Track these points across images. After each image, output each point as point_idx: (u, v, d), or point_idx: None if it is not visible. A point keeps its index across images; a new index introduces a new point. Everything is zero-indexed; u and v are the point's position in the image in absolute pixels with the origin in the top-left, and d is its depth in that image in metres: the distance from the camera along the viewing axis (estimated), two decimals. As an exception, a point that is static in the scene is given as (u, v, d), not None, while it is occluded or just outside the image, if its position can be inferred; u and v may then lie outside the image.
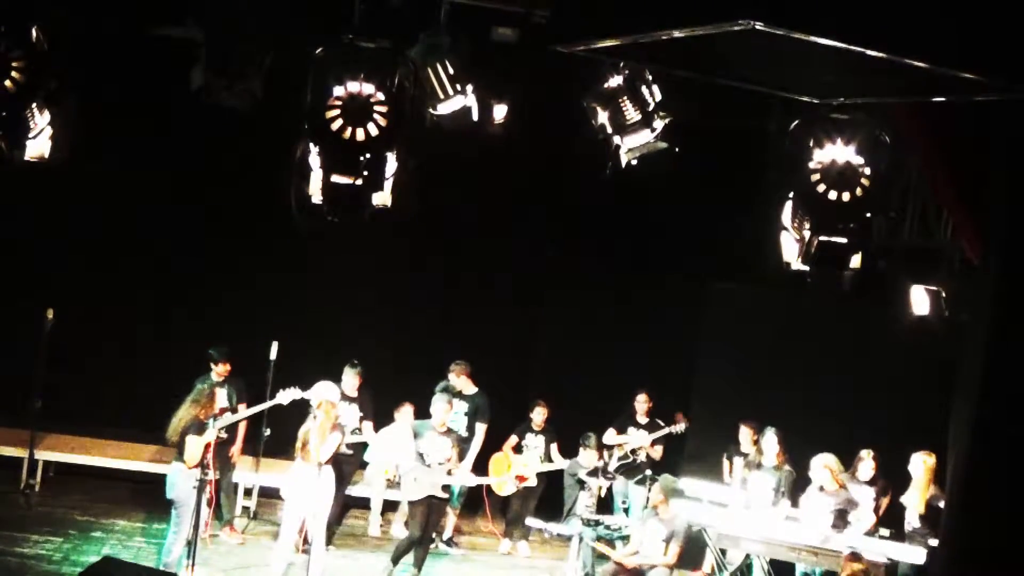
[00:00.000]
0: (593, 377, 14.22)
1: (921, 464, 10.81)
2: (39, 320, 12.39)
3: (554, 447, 13.11)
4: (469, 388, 12.67)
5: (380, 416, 12.47)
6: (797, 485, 11.37)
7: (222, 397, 10.60)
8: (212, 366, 11.57)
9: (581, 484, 11.99)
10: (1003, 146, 7.06)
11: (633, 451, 13.11)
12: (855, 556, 9.48)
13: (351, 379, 12.07)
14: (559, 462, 12.99)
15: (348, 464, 12.21)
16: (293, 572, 10.55)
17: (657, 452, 13.21)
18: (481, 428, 12.60)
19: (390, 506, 13.05)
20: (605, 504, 12.71)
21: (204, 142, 12.53)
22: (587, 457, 12.37)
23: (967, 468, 7.17)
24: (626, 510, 12.85)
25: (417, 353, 13.60)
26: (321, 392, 10.52)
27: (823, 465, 10.87)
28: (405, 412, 12.46)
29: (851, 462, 11.19)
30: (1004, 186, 7.17)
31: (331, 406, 10.41)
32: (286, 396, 11.17)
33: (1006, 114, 6.52)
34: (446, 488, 11.26)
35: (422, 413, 12.02)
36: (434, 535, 11.59)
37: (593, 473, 11.91)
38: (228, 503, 11.88)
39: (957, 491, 7.48)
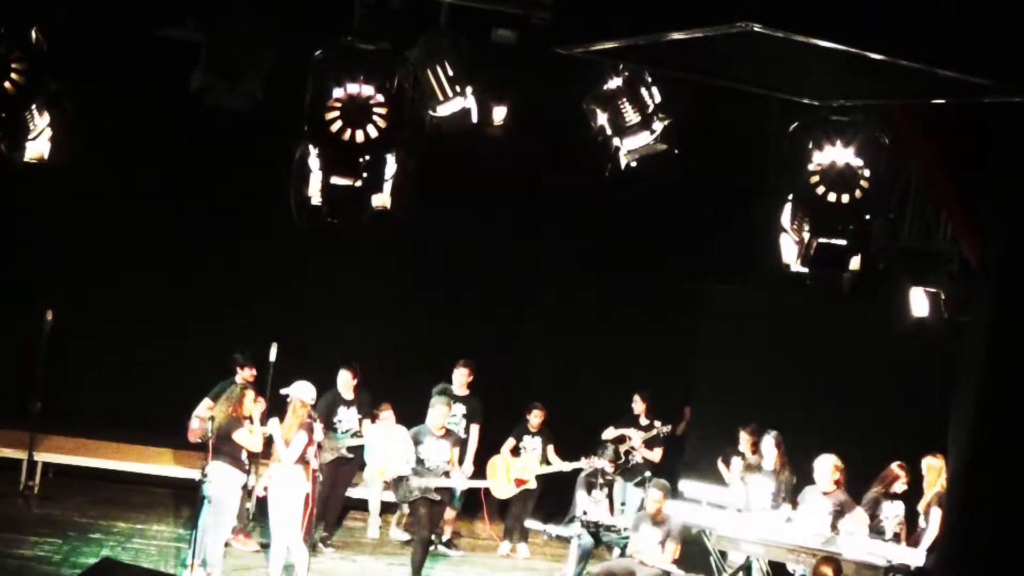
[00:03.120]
0: (592, 378, 14.23)
1: (925, 467, 10.85)
2: (39, 321, 12.41)
3: (550, 449, 13.12)
4: (463, 390, 12.65)
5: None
6: (798, 489, 11.37)
7: (250, 400, 10.59)
8: (238, 370, 11.54)
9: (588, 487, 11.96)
10: (1003, 148, 7.06)
11: (626, 452, 13.11)
12: (827, 560, 9.52)
13: (347, 379, 12.05)
14: (556, 464, 12.98)
15: (346, 465, 12.20)
16: (290, 573, 10.56)
17: (656, 455, 13.22)
18: (475, 430, 12.59)
19: (388, 507, 13.05)
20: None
21: (204, 144, 12.53)
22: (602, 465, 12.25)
23: (967, 468, 7.17)
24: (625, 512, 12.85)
25: (416, 354, 13.61)
26: (296, 390, 10.53)
27: (833, 466, 10.84)
28: (385, 415, 12.44)
29: (850, 462, 11.14)
30: (1004, 187, 7.17)
31: (301, 405, 10.42)
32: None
33: (1005, 116, 6.52)
34: (439, 490, 11.07)
35: (420, 415, 12.05)
36: (433, 536, 11.53)
37: (593, 475, 11.92)
38: (241, 509, 11.89)
39: (957, 491, 7.48)
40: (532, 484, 12.91)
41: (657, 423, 13.31)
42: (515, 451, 13.07)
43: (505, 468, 12.97)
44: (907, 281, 10.14)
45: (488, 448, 12.84)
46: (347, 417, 12.02)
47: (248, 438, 10.33)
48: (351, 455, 12.11)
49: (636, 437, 13.20)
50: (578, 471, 12.36)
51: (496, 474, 12.93)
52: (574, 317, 14.73)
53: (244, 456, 10.42)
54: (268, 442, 10.74)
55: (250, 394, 10.59)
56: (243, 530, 11.79)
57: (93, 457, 13.00)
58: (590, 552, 11.47)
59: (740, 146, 10.41)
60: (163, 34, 8.06)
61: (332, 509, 12.22)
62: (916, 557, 10.31)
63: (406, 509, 12.40)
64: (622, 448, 13.07)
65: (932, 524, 10.62)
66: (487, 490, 13.01)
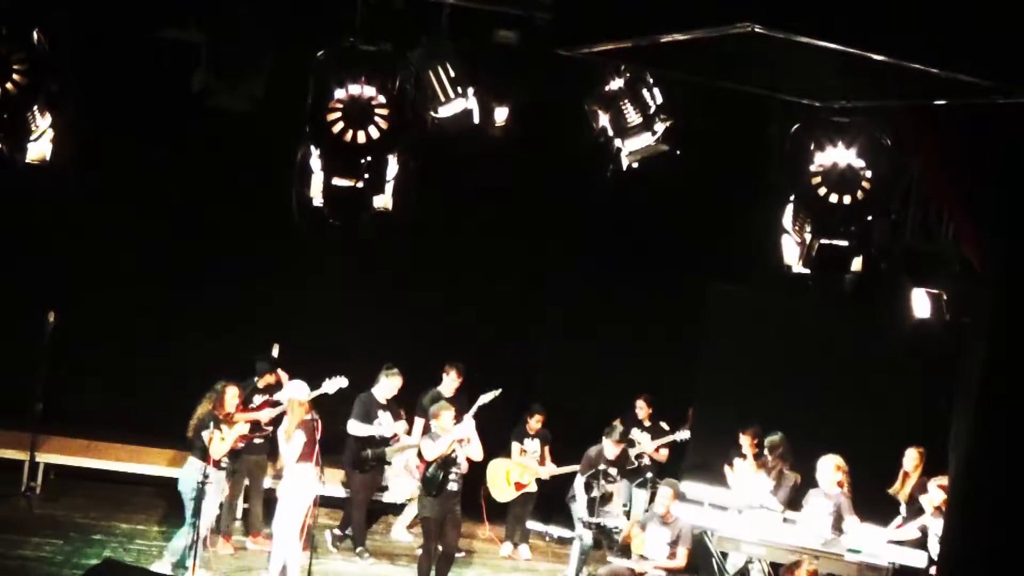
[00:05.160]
0: (593, 379, 14.23)
1: (908, 458, 11.07)
2: (40, 322, 12.41)
3: (546, 451, 13.13)
4: (452, 393, 12.59)
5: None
6: (802, 490, 11.36)
7: (232, 396, 10.62)
8: (267, 375, 11.58)
9: (588, 487, 11.96)
10: (1004, 148, 7.06)
11: (637, 456, 13.13)
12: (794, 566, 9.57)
13: (391, 384, 12.00)
14: (551, 467, 12.99)
15: (371, 470, 12.13)
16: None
17: (663, 455, 13.24)
18: None
19: (391, 508, 13.04)
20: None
21: (205, 145, 12.53)
22: (610, 448, 12.25)
23: (967, 468, 7.17)
24: (627, 513, 12.84)
25: (417, 356, 13.58)
26: (290, 391, 10.57)
27: (835, 466, 10.86)
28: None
29: (852, 463, 11.14)
30: (1004, 188, 7.17)
31: (298, 405, 10.44)
32: (332, 385, 11.26)
33: (1006, 116, 6.53)
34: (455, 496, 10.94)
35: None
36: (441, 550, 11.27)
37: (595, 476, 11.92)
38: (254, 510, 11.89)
39: (957, 491, 7.49)
40: (532, 487, 12.91)
41: (663, 424, 13.33)
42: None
43: (505, 472, 12.95)
44: (909, 282, 10.14)
45: (485, 449, 12.78)
46: (386, 420, 11.95)
47: (214, 439, 10.35)
48: (374, 462, 12.06)
49: (644, 440, 13.21)
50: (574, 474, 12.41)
51: (496, 478, 12.92)
52: (575, 318, 14.72)
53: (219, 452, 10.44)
54: (273, 445, 10.76)
55: (231, 390, 10.61)
56: (258, 531, 11.82)
57: (95, 458, 12.99)
58: (588, 552, 11.47)
59: (742, 147, 10.41)
60: (164, 35, 8.05)
61: (360, 513, 12.18)
62: (918, 559, 10.31)
63: (410, 512, 12.41)
64: (632, 452, 13.06)
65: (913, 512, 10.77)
66: (487, 493, 13.00)
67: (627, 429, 13.28)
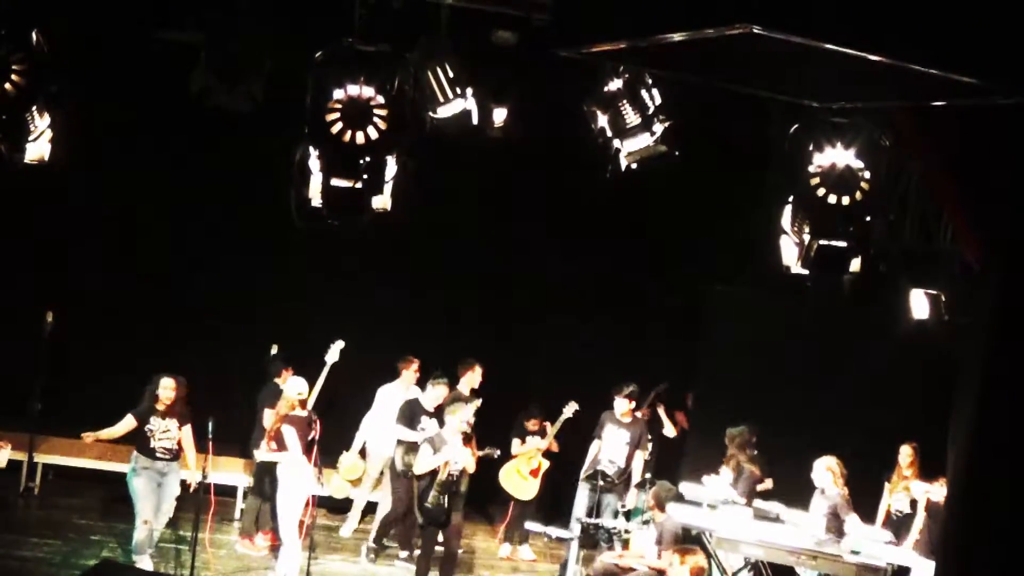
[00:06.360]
0: (593, 379, 14.21)
1: (902, 454, 11.24)
2: (38, 322, 12.40)
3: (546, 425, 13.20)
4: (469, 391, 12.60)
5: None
6: (799, 490, 11.39)
7: (165, 388, 10.72)
8: (284, 372, 11.64)
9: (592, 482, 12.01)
10: (1003, 149, 7.06)
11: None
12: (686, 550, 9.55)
13: (436, 392, 11.98)
14: (548, 434, 12.99)
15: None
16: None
17: (670, 431, 13.34)
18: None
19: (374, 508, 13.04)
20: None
21: (204, 145, 12.53)
22: (620, 404, 12.34)
23: (967, 468, 7.17)
24: (626, 514, 12.83)
25: (417, 356, 13.59)
26: (288, 385, 10.62)
27: (826, 467, 10.89)
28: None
29: (850, 464, 11.16)
30: (1004, 189, 7.17)
31: (287, 402, 10.54)
32: (334, 352, 11.25)
33: (1006, 117, 6.53)
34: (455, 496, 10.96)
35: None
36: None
37: (593, 476, 11.93)
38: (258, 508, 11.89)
39: (957, 491, 7.48)
40: (545, 465, 12.88)
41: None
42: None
43: (515, 472, 12.93)
44: (907, 283, 10.14)
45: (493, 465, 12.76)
46: (430, 427, 11.90)
47: (121, 424, 10.62)
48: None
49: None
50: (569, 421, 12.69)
51: (511, 482, 12.89)
52: (575, 318, 14.71)
53: (157, 444, 10.63)
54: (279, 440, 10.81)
55: (166, 381, 10.68)
56: (249, 533, 11.81)
57: (93, 459, 12.98)
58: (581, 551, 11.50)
59: (740, 148, 10.42)
60: (163, 36, 8.06)
61: (410, 524, 12.15)
62: (915, 560, 10.32)
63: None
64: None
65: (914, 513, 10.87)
66: (515, 502, 12.97)
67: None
